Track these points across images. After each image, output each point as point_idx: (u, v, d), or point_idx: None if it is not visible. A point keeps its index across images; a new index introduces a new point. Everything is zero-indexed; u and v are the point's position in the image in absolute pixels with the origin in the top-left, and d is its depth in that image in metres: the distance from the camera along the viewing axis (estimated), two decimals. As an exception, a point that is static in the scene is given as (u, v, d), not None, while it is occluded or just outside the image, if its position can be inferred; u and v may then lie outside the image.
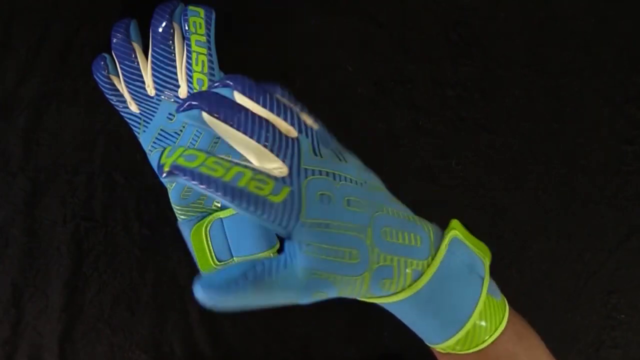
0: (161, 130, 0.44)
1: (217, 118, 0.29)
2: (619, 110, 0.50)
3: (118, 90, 0.45)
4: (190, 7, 0.42)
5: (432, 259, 0.33)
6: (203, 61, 0.42)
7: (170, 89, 0.43)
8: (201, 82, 0.42)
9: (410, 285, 0.33)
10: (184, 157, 0.28)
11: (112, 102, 0.45)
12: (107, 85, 0.44)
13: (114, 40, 0.43)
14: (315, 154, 0.31)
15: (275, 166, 0.30)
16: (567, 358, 0.48)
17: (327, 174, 0.31)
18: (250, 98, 0.31)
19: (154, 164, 0.45)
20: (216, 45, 0.47)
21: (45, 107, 0.48)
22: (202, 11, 0.42)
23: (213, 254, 0.44)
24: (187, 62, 0.42)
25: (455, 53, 0.50)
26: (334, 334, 0.48)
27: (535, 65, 0.50)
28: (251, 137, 0.30)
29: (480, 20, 0.50)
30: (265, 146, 0.30)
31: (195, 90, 0.42)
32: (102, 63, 0.44)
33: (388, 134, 0.49)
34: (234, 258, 0.44)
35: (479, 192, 0.49)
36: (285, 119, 0.31)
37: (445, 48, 0.50)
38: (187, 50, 0.42)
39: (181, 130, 0.44)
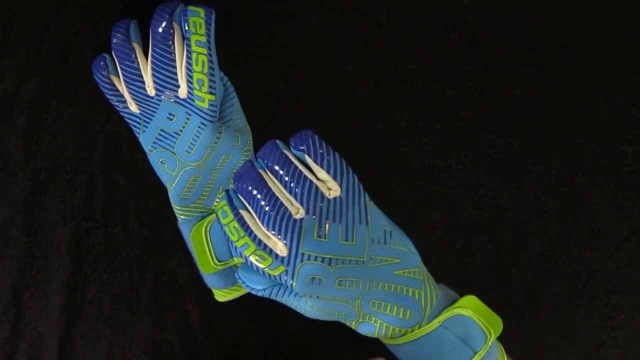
0: (161, 130, 0.44)
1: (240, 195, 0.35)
2: (619, 110, 0.50)
3: (118, 91, 0.45)
4: (190, 7, 0.42)
5: (419, 327, 0.36)
6: (203, 61, 0.42)
7: (170, 89, 0.43)
8: (201, 82, 0.42)
9: (389, 339, 0.38)
10: (222, 212, 0.35)
11: (112, 102, 0.45)
12: (107, 86, 0.44)
13: (114, 40, 0.43)
14: (319, 236, 0.33)
15: (279, 244, 0.33)
16: (567, 358, 0.49)
17: (324, 259, 0.33)
18: (272, 172, 0.34)
19: (154, 164, 0.45)
20: (216, 45, 0.48)
21: (45, 107, 0.48)
22: (202, 11, 0.42)
23: (213, 254, 0.44)
24: (187, 62, 0.42)
25: (455, 53, 0.50)
26: (334, 334, 0.48)
27: (535, 65, 0.50)
28: (259, 218, 0.34)
29: (480, 20, 0.51)
30: (267, 229, 0.33)
31: (195, 90, 0.42)
32: (102, 63, 0.44)
33: (388, 134, 0.49)
34: (234, 258, 0.44)
35: (479, 192, 0.49)
36: (298, 197, 0.33)
37: (445, 48, 0.50)
38: (187, 51, 0.42)
39: (181, 131, 0.44)
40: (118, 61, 0.44)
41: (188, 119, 0.44)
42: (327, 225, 0.33)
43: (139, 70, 0.44)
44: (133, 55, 0.43)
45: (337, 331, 0.48)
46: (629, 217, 0.50)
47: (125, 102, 0.45)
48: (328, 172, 0.33)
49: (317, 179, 0.34)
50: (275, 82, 0.50)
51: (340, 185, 0.34)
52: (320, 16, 0.50)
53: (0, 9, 0.48)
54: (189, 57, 0.42)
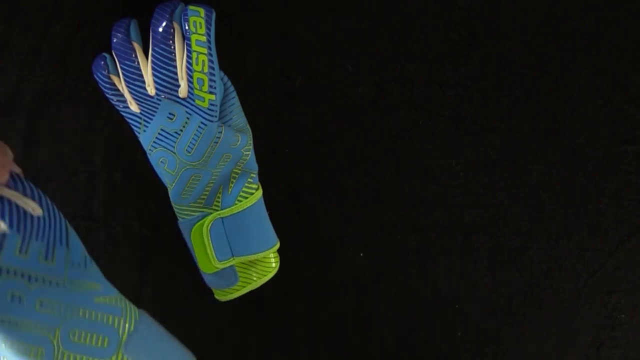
0: (161, 129, 0.44)
1: None
2: (619, 110, 0.51)
3: (118, 90, 0.45)
4: (190, 7, 0.42)
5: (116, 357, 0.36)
6: (203, 61, 0.42)
7: (171, 89, 0.44)
8: (201, 81, 0.43)
9: None
10: None
11: (112, 102, 0.45)
12: (107, 85, 0.44)
13: (114, 40, 0.43)
14: (20, 252, 0.32)
15: None
16: (567, 358, 0.49)
17: (23, 275, 0.33)
18: None
19: (154, 164, 0.45)
20: (216, 44, 0.48)
21: (46, 106, 0.48)
22: (202, 11, 0.42)
23: (213, 254, 0.44)
24: (188, 61, 0.42)
25: (455, 53, 0.50)
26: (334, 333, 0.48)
27: (535, 65, 0.51)
28: None
29: (480, 20, 0.51)
30: None
31: (195, 90, 0.43)
32: (102, 63, 0.44)
33: (388, 134, 0.49)
34: (234, 257, 0.44)
35: (479, 192, 0.49)
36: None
37: (445, 48, 0.50)
38: (188, 50, 0.42)
39: (181, 130, 0.44)
40: (118, 60, 0.44)
41: (188, 118, 0.44)
42: (30, 242, 0.33)
43: (139, 70, 0.44)
44: (133, 55, 0.43)
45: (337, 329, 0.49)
46: (629, 217, 0.50)
47: (125, 101, 0.45)
48: (27, 196, 0.33)
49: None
50: (275, 82, 0.50)
51: (41, 205, 0.34)
52: (320, 16, 0.50)
53: (0, 8, 0.48)
54: (189, 57, 0.42)
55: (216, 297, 0.46)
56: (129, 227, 0.48)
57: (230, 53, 0.49)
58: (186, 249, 0.45)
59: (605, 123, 0.51)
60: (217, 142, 0.44)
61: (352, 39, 0.50)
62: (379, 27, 0.50)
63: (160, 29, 0.42)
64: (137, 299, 0.47)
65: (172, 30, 0.42)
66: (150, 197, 0.48)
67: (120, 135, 0.48)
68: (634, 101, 0.51)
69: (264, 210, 0.47)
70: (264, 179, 0.49)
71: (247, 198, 0.46)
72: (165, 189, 0.46)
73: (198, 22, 0.42)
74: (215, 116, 0.43)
